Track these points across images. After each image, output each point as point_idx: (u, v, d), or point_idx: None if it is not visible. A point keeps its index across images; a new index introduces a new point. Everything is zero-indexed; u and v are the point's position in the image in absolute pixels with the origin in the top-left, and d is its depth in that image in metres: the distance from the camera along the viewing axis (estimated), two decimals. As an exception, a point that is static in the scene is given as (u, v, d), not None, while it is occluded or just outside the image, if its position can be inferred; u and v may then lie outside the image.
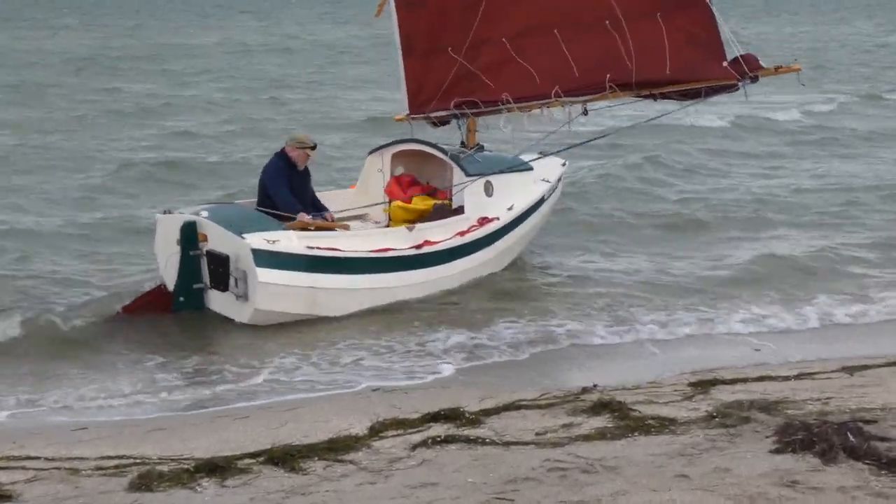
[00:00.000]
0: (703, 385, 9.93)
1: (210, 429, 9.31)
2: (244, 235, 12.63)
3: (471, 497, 7.12)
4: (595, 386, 10.08)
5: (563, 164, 16.78)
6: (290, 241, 12.84)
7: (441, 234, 14.00)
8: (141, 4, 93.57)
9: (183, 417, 10.03)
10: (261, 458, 8.15)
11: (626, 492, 7.04)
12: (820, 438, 7.66)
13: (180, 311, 13.06)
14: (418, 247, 13.64)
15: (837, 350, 11.75)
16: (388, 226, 14.63)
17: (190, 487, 7.64)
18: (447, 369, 11.52)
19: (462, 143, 15.53)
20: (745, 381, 10.07)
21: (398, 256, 13.48)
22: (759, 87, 15.39)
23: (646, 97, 15.01)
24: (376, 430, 8.83)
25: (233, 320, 12.86)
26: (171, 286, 13.09)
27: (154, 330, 12.65)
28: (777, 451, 7.64)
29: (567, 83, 14.74)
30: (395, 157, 15.34)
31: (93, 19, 78.84)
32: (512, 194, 15.05)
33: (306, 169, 14.15)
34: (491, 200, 14.75)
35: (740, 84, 14.47)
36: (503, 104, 14.99)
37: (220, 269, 12.79)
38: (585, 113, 14.87)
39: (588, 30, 14.68)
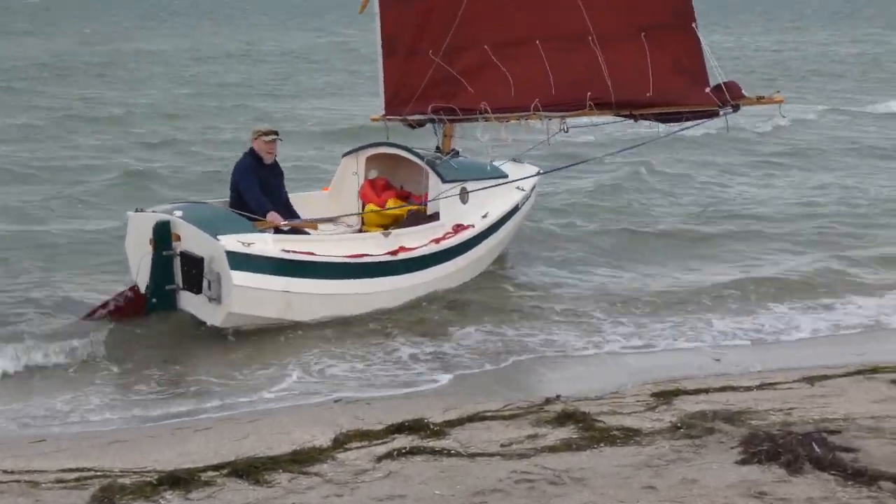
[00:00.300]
0: (666, 395, 9.95)
1: (171, 441, 9.21)
2: (219, 237, 12.44)
3: (439, 509, 7.09)
4: (558, 397, 10.07)
5: (538, 173, 16.76)
6: (265, 243, 12.69)
7: (416, 240, 13.92)
8: (94, 12, 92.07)
9: (143, 429, 9.90)
10: (224, 471, 8.07)
11: (594, 503, 7.02)
12: (785, 449, 7.70)
13: (153, 311, 12.86)
14: (394, 253, 13.55)
15: (798, 361, 11.79)
16: (360, 229, 14.57)
17: (153, 500, 7.54)
18: (409, 380, 11.47)
19: (437, 148, 15.49)
20: (707, 391, 10.10)
21: (374, 262, 13.37)
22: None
23: (625, 117, 14.90)
24: (340, 442, 8.77)
25: (197, 325, 12.71)
26: (143, 288, 12.89)
27: (112, 338, 12.44)
28: (743, 462, 7.66)
29: (547, 97, 14.65)
30: (370, 160, 15.25)
31: (42, 27, 77.95)
32: (487, 202, 15.03)
33: (277, 166, 14.04)
34: (466, 208, 14.72)
35: (721, 112, 14.40)
36: (481, 113, 14.94)
37: (194, 271, 12.61)
38: (566, 130, 14.85)
39: (571, 45, 14.58)
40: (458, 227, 14.47)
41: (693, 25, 14.29)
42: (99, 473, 8.21)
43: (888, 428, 8.44)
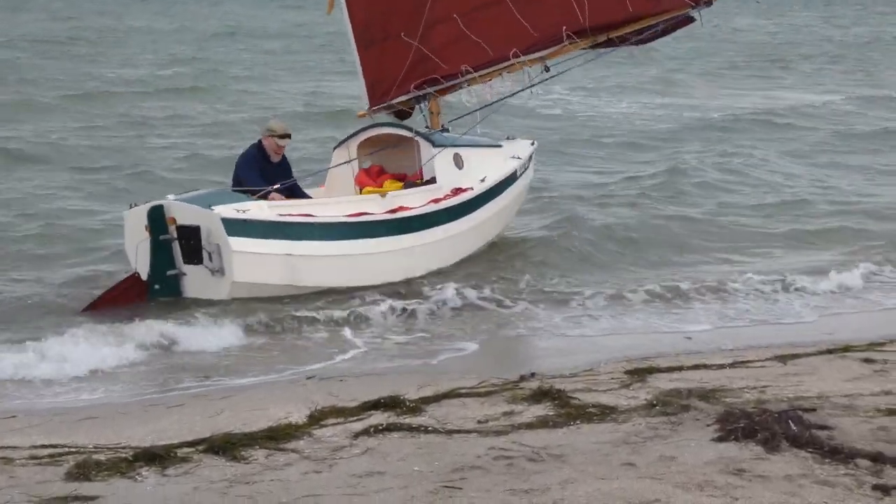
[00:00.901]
0: (640, 373, 9.96)
1: (144, 418, 9.13)
2: (213, 207, 12.37)
3: (418, 486, 7.06)
4: (533, 374, 10.07)
5: (532, 144, 16.72)
6: (260, 210, 12.61)
7: (416, 200, 13.85)
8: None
9: (114, 406, 9.81)
10: (200, 447, 8.01)
11: (575, 480, 7.02)
12: (762, 427, 7.71)
13: (155, 298, 12.78)
14: (393, 212, 13.45)
15: (769, 340, 11.86)
16: None
17: (130, 477, 7.47)
18: (383, 356, 11.46)
19: (426, 127, 15.39)
20: (680, 369, 10.12)
21: (375, 221, 13.29)
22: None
23: (604, 44, 14.90)
24: (316, 419, 8.73)
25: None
26: (144, 276, 12.79)
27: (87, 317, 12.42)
28: (720, 440, 7.68)
29: (524, 44, 14.69)
30: (361, 147, 15.05)
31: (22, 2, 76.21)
32: (483, 167, 14.97)
33: (285, 163, 13.95)
34: (462, 172, 14.68)
35: (694, 12, 14.53)
36: (463, 76, 14.93)
37: (192, 242, 12.50)
38: (547, 69, 14.87)
39: None
40: (457, 191, 14.41)
41: None
42: (73, 450, 8.13)
43: (861, 406, 8.50)
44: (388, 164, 15.07)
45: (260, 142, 13.88)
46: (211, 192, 13.46)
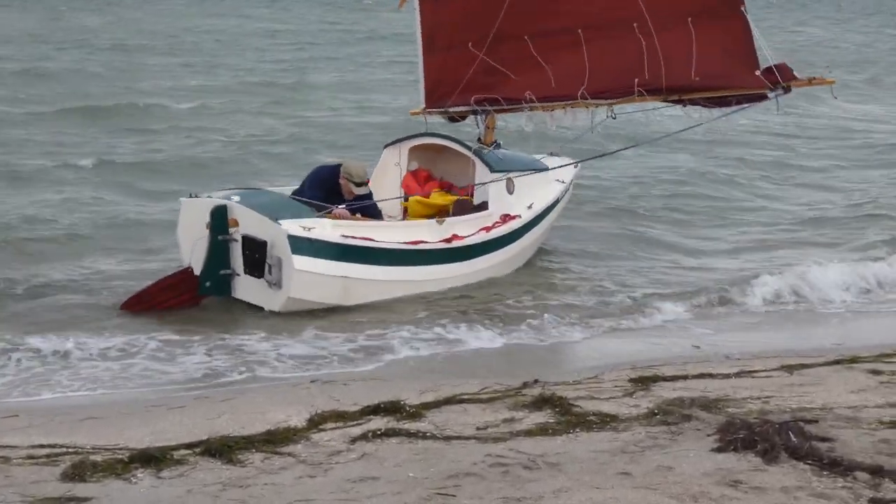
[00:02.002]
0: (644, 381, 9.91)
1: (145, 419, 9.13)
2: (280, 221, 12.43)
3: (412, 492, 7.02)
4: (536, 381, 10.02)
5: (576, 167, 16.52)
6: (324, 228, 12.66)
7: (467, 229, 13.89)
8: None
9: (116, 407, 9.81)
10: (197, 450, 8.00)
11: (569, 489, 6.97)
12: (761, 438, 7.65)
13: (205, 295, 12.92)
14: (447, 240, 13.52)
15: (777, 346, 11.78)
16: (403, 220, 14.41)
17: (124, 478, 7.48)
18: (387, 362, 11.44)
19: (479, 139, 15.24)
20: (685, 378, 10.06)
21: (430, 250, 13.37)
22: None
23: (674, 102, 14.70)
24: (315, 423, 8.71)
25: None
26: (197, 271, 12.91)
27: (90, 318, 12.44)
28: (719, 450, 7.62)
29: (592, 85, 14.46)
30: (412, 151, 15.07)
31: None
32: (531, 193, 14.95)
33: (359, 200, 13.74)
34: (512, 198, 14.63)
35: (771, 94, 14.25)
36: (526, 102, 14.74)
37: (257, 256, 12.64)
38: (613, 117, 14.69)
39: (616, 32, 14.41)
40: (506, 217, 14.40)
41: (742, 9, 14.19)
42: (70, 450, 8.15)
43: (865, 418, 8.42)
44: (434, 169, 15.04)
45: (339, 170, 13.77)
46: (274, 198, 13.38)
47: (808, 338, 12.45)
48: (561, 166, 15.83)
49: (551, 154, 16.50)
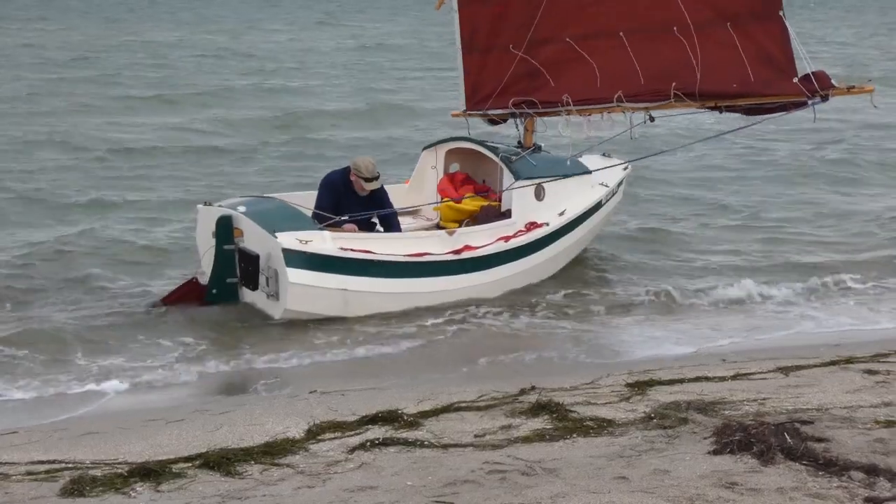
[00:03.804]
0: (640, 386, 9.93)
1: (144, 433, 9.14)
2: (277, 234, 12.53)
3: (410, 500, 7.05)
4: (533, 387, 10.04)
5: (626, 168, 16.41)
6: (323, 241, 12.71)
7: (484, 238, 13.75)
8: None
9: (115, 421, 9.83)
10: (196, 463, 8.02)
11: (566, 494, 7.00)
12: (757, 439, 7.68)
13: (213, 301, 13.11)
14: (457, 252, 13.42)
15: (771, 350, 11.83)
16: (438, 224, 14.45)
17: (123, 492, 7.49)
18: (382, 371, 11.48)
19: (519, 143, 15.28)
20: (681, 381, 10.08)
21: (433, 262, 13.31)
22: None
23: (711, 108, 14.71)
24: (313, 433, 8.74)
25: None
26: (206, 278, 13.16)
27: (85, 329, 12.50)
28: (715, 453, 7.65)
29: (630, 88, 14.45)
30: (450, 154, 15.10)
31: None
32: (565, 199, 14.81)
33: (376, 195, 13.77)
34: (541, 205, 14.48)
35: (809, 102, 14.22)
36: (563, 105, 14.69)
37: (250, 268, 12.83)
38: (652, 120, 14.65)
39: (655, 36, 14.45)
40: (531, 226, 14.25)
41: (780, 13, 14.17)
42: (70, 465, 8.16)
43: (860, 418, 8.46)
44: (474, 171, 15.00)
45: (349, 170, 13.80)
46: (279, 208, 13.42)
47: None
48: (603, 168, 15.68)
49: (604, 154, 16.39)
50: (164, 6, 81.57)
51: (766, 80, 14.28)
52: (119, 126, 28.07)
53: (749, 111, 14.63)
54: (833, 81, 14.34)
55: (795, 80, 14.21)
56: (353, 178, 13.67)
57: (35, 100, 32.28)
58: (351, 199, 13.59)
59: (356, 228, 13.38)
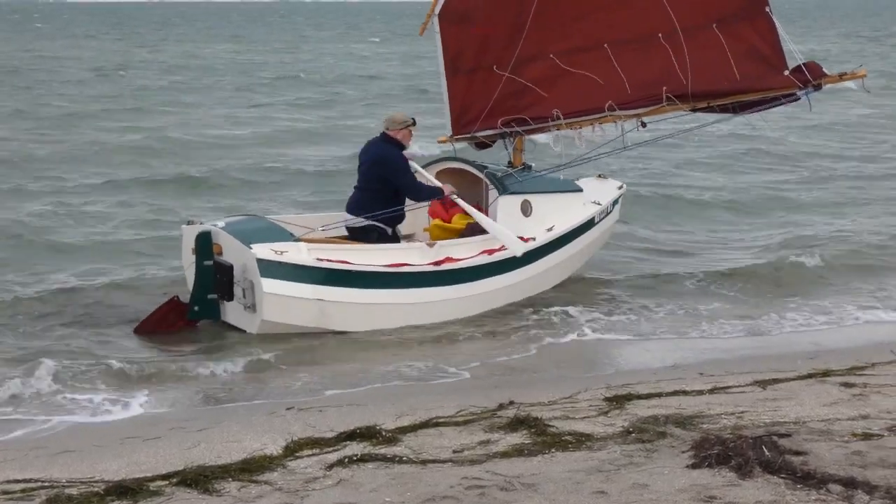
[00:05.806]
0: (619, 400, 9.94)
1: (120, 451, 9.08)
2: (252, 245, 12.53)
3: (388, 517, 7.03)
4: (511, 402, 10.03)
5: (620, 188, 16.32)
6: (298, 252, 12.71)
7: (466, 251, 13.68)
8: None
9: (91, 439, 9.76)
10: (173, 480, 7.96)
11: (545, 509, 7.00)
12: (735, 453, 7.70)
13: (195, 319, 13.11)
14: (437, 263, 13.37)
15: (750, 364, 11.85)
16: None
17: (100, 511, 7.45)
18: (363, 387, 11.44)
19: (509, 163, 15.18)
20: (659, 395, 10.10)
21: (413, 272, 13.24)
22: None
23: (703, 109, 14.72)
24: (291, 450, 8.69)
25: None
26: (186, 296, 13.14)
27: (62, 345, 12.45)
28: (694, 466, 7.67)
29: (620, 98, 14.42)
30: (440, 175, 14.89)
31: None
32: (553, 215, 14.69)
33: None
34: (528, 220, 14.39)
35: (801, 93, 14.29)
36: (553, 120, 14.64)
37: (225, 279, 12.82)
38: (643, 126, 14.60)
39: (641, 44, 14.47)
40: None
41: (767, 9, 14.24)
42: (46, 484, 8.09)
43: (838, 431, 8.49)
44: (467, 194, 14.83)
45: (393, 139, 13.70)
46: (260, 224, 13.50)
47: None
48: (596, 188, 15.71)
49: (599, 176, 16.34)
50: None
51: (757, 76, 14.39)
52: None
53: (743, 107, 14.67)
54: (824, 70, 14.44)
55: (786, 72, 14.32)
56: (402, 135, 13.69)
57: None
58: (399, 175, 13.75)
59: (454, 190, 13.69)
